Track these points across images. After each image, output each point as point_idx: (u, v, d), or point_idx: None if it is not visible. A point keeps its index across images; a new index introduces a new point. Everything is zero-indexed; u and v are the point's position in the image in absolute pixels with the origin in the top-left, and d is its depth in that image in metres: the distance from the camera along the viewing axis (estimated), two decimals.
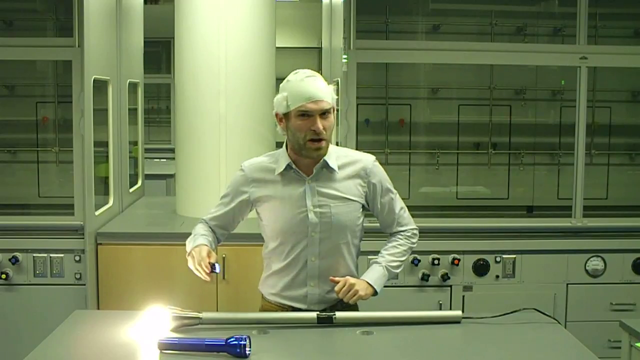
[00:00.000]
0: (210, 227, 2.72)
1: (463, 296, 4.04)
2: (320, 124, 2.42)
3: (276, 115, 2.52)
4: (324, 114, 2.44)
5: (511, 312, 2.58)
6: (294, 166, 2.53)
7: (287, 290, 2.61)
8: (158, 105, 8.79)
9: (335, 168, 2.55)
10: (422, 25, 4.81)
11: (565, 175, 4.73)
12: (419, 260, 3.97)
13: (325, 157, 2.52)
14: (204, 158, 4.27)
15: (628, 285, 4.13)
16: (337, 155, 2.58)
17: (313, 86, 2.44)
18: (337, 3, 4.32)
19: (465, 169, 4.94)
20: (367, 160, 2.62)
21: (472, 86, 4.90)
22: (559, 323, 2.64)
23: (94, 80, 3.86)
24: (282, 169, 2.54)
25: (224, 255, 3.83)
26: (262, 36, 4.29)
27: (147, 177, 5.46)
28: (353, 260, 2.65)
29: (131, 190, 4.84)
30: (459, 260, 4.00)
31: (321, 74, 2.57)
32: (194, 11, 4.22)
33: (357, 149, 3.94)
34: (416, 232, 2.74)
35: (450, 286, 4.03)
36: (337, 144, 4.40)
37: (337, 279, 2.53)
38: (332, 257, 2.57)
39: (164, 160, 7.62)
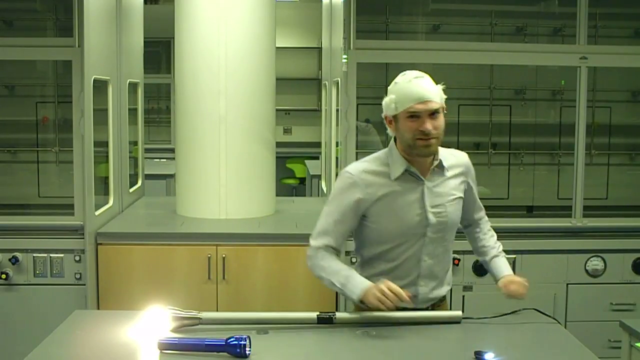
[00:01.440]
0: (330, 254, 2.58)
1: (463, 296, 4.04)
2: (429, 124, 2.42)
3: (385, 117, 2.52)
4: (432, 114, 2.43)
5: (511, 312, 2.58)
6: (411, 169, 2.52)
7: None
8: (158, 105, 8.79)
9: (448, 167, 2.59)
10: (422, 25, 4.81)
11: (565, 175, 4.73)
12: None
13: (440, 158, 2.56)
14: (204, 158, 4.27)
15: (628, 285, 4.12)
16: (442, 155, 2.59)
17: (421, 87, 2.44)
18: (337, 3, 4.32)
19: None
20: (465, 157, 2.70)
21: (472, 86, 4.90)
22: (559, 323, 2.64)
23: (94, 80, 3.85)
24: (399, 173, 2.52)
25: (224, 255, 3.83)
26: (262, 36, 4.29)
27: (147, 177, 5.46)
28: (451, 259, 2.75)
29: (131, 190, 4.84)
30: (459, 260, 4.00)
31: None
32: (194, 11, 4.22)
33: (357, 149, 3.98)
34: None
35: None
36: (337, 144, 4.41)
37: (512, 285, 2.66)
38: (442, 255, 2.62)
39: (164, 160, 7.62)
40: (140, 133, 5.11)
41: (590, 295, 4.10)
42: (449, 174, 2.60)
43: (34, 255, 3.85)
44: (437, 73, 4.75)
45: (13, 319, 3.84)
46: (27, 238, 3.86)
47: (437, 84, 2.54)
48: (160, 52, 8.42)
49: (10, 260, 3.81)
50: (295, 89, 9.00)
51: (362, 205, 2.53)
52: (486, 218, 2.87)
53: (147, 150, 5.52)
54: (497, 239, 2.97)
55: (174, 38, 4.39)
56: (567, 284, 4.10)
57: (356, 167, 2.58)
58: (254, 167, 4.31)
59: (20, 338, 3.74)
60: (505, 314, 2.57)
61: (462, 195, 2.64)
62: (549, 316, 2.61)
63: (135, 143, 5.07)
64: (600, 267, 4.11)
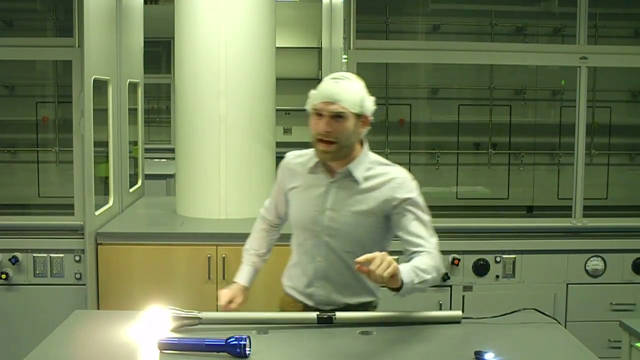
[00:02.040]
0: (266, 225, 2.83)
1: (463, 296, 4.04)
2: (326, 125, 2.39)
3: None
4: (337, 117, 2.39)
5: (511, 312, 2.58)
6: (322, 165, 2.53)
7: (300, 285, 2.63)
8: (158, 105, 8.78)
9: (359, 179, 2.49)
10: (422, 25, 4.81)
11: (565, 175, 4.73)
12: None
13: (350, 167, 2.49)
14: (204, 158, 4.27)
15: (628, 285, 4.13)
16: (370, 165, 2.52)
17: (331, 87, 2.42)
18: (337, 3, 4.32)
19: (465, 169, 4.94)
20: (400, 176, 2.51)
21: (472, 86, 4.90)
22: (559, 323, 2.64)
23: (94, 80, 3.85)
24: (311, 165, 2.55)
25: (224, 255, 3.83)
26: (262, 36, 4.29)
27: (147, 177, 5.46)
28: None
29: (131, 190, 4.84)
30: (459, 260, 4.00)
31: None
32: (194, 11, 4.22)
33: None
34: (440, 256, 2.50)
35: (450, 286, 4.03)
36: None
37: (361, 259, 2.16)
38: (339, 263, 2.55)
39: (164, 160, 7.62)
40: (140, 133, 5.11)
41: (590, 295, 4.11)
42: (364, 186, 2.48)
43: (34, 255, 3.85)
44: (437, 73, 4.81)
45: (13, 319, 3.84)
46: (27, 238, 3.87)
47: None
48: (160, 52, 8.42)
49: (10, 260, 3.82)
50: (295, 89, 8.96)
51: (284, 188, 2.65)
52: (426, 250, 2.46)
53: (147, 150, 5.52)
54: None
55: (174, 38, 4.38)
56: (567, 284, 4.10)
57: (293, 154, 2.68)
58: (254, 167, 4.31)
59: (20, 338, 3.75)
60: (505, 314, 2.57)
61: (376, 214, 2.47)
62: (549, 316, 2.61)
63: (135, 143, 5.07)
64: (600, 267, 4.11)
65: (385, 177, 2.51)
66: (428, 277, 2.37)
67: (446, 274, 3.98)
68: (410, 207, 2.48)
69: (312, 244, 2.56)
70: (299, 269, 2.63)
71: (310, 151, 2.59)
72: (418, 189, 2.54)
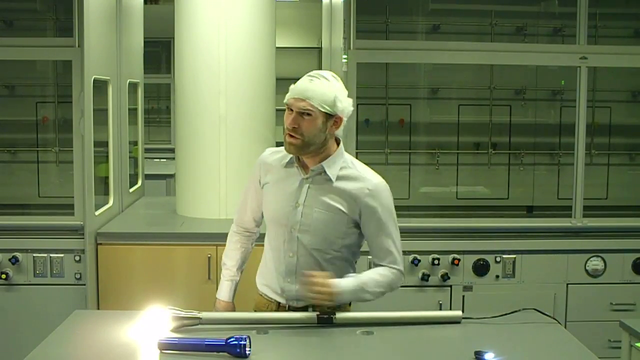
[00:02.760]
0: (239, 236, 2.82)
1: (463, 296, 4.04)
2: (294, 120, 2.43)
3: None
4: (304, 114, 2.42)
5: (511, 312, 2.58)
6: (295, 162, 2.56)
7: (270, 281, 2.64)
8: (158, 105, 8.78)
9: (332, 177, 2.52)
10: (422, 25, 4.81)
11: (565, 175, 4.73)
12: (419, 260, 3.97)
13: (324, 164, 2.51)
14: (204, 158, 4.27)
15: (628, 285, 4.13)
16: (344, 165, 2.54)
17: (303, 84, 2.46)
18: (337, 3, 4.32)
19: (465, 169, 4.94)
20: (372, 182, 2.53)
21: (472, 86, 4.90)
22: (559, 323, 2.64)
23: (94, 80, 3.85)
24: (286, 161, 2.58)
25: None
26: (262, 36, 4.29)
27: (147, 177, 5.46)
28: (339, 274, 2.52)
29: (131, 190, 4.84)
30: (459, 260, 4.00)
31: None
32: (194, 11, 4.22)
33: (357, 149, 3.98)
34: (400, 275, 2.58)
35: (450, 286, 4.03)
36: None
37: (308, 273, 2.43)
38: (310, 260, 2.56)
39: (164, 160, 7.62)
40: (140, 133, 5.11)
41: (590, 295, 4.10)
42: (336, 184, 2.51)
43: (34, 255, 3.85)
44: (437, 73, 4.81)
45: (13, 319, 3.84)
46: (27, 238, 3.87)
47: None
48: (160, 52, 8.42)
49: (10, 260, 3.82)
50: None
51: (259, 183, 2.65)
52: (396, 271, 2.56)
53: (147, 150, 5.52)
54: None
55: (174, 38, 4.39)
56: (567, 284, 4.10)
57: (269, 150, 2.70)
58: None
59: (20, 338, 3.74)
60: (505, 314, 2.57)
61: (347, 214, 2.50)
62: (549, 316, 2.61)
63: (135, 143, 5.07)
64: (600, 267, 4.11)
65: (359, 182, 2.53)
66: (369, 297, 2.52)
67: (446, 273, 3.98)
68: (380, 219, 2.53)
69: (284, 240, 2.57)
70: (271, 264, 2.64)
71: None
72: (391, 196, 2.57)
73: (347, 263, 2.62)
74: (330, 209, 2.52)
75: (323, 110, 2.42)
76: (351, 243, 2.59)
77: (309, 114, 2.42)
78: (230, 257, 2.81)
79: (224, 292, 2.78)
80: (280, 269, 2.60)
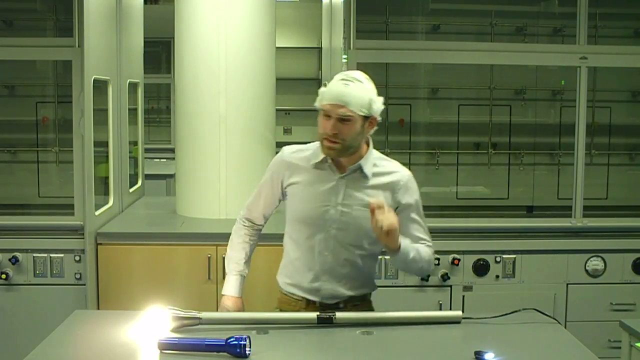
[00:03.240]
0: (248, 229, 2.80)
1: (463, 296, 4.04)
2: (332, 127, 2.43)
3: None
4: (344, 120, 2.42)
5: (511, 312, 2.58)
6: (329, 160, 2.55)
7: (304, 280, 2.63)
8: (158, 105, 8.78)
9: (369, 174, 2.56)
10: (422, 25, 4.81)
11: (565, 175, 4.73)
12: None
13: (361, 162, 2.54)
14: (204, 158, 4.27)
15: (628, 285, 4.13)
16: (376, 162, 2.59)
17: (340, 89, 2.43)
18: (337, 3, 4.32)
19: (465, 169, 4.94)
20: (403, 174, 2.61)
21: (472, 86, 4.90)
22: (559, 323, 2.64)
23: (94, 80, 3.85)
24: (318, 160, 2.56)
25: (224, 255, 3.81)
26: (262, 36, 4.29)
27: (147, 177, 5.45)
28: (371, 265, 2.68)
29: (131, 190, 4.84)
30: (459, 260, 4.00)
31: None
32: (194, 11, 4.22)
33: None
34: (432, 261, 2.66)
35: (450, 286, 4.03)
36: None
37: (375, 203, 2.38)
38: (346, 257, 2.59)
39: (164, 160, 7.62)
40: (140, 133, 5.11)
41: (590, 295, 4.11)
42: (371, 182, 2.56)
43: (34, 255, 3.85)
44: (437, 73, 4.81)
45: (13, 319, 3.84)
46: (27, 238, 3.87)
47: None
48: (160, 52, 8.42)
49: (10, 260, 3.81)
50: (295, 89, 8.98)
51: (281, 183, 2.64)
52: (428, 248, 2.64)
53: (147, 150, 5.52)
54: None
55: (174, 38, 4.39)
56: (567, 284, 4.10)
57: (290, 148, 2.67)
58: (254, 167, 4.30)
59: (20, 338, 3.75)
60: (505, 314, 2.57)
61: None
62: (549, 316, 2.61)
63: (135, 143, 5.07)
64: (600, 267, 4.11)
65: (392, 176, 2.59)
66: (420, 262, 2.56)
67: (446, 273, 3.98)
68: (412, 213, 2.60)
69: (320, 239, 2.57)
70: (302, 264, 2.63)
71: (310, 146, 2.63)
72: (417, 187, 2.65)
73: (375, 257, 2.69)
74: (368, 206, 2.52)
75: (361, 114, 2.43)
76: None
77: (348, 120, 2.43)
78: (238, 249, 2.78)
79: (232, 286, 2.72)
80: (315, 269, 2.60)
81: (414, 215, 2.61)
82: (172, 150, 5.28)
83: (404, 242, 2.48)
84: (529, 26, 4.83)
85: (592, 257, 4.11)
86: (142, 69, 5.12)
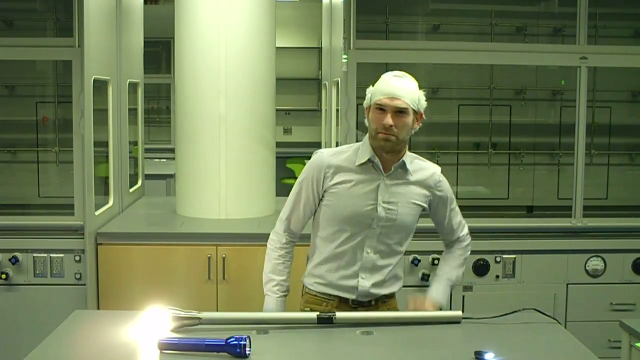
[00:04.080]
0: (288, 246, 2.76)
1: (463, 296, 4.04)
2: (390, 119, 2.49)
3: (365, 108, 2.61)
4: (399, 112, 2.50)
5: (511, 312, 2.58)
6: (375, 159, 2.59)
7: (340, 279, 2.65)
8: (158, 105, 8.79)
9: (412, 171, 2.63)
10: (422, 25, 4.81)
11: (565, 175, 4.73)
12: (419, 260, 3.97)
13: (405, 159, 2.61)
14: (204, 158, 4.27)
15: (628, 285, 4.13)
16: (411, 159, 2.66)
17: (393, 84, 2.53)
18: (337, 3, 4.32)
19: (465, 169, 4.94)
20: (436, 168, 2.73)
21: (472, 86, 4.90)
22: (559, 323, 2.64)
23: (94, 80, 3.85)
24: (363, 161, 2.60)
25: (224, 255, 3.83)
26: (262, 36, 4.29)
27: (147, 177, 5.46)
28: (402, 262, 2.78)
29: (131, 190, 4.84)
30: None
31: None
32: (194, 11, 4.22)
33: None
34: (470, 240, 2.92)
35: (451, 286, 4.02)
36: (337, 144, 4.41)
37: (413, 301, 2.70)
38: (386, 253, 2.65)
39: (164, 160, 7.62)
40: (140, 133, 5.11)
41: (590, 295, 4.10)
42: (412, 178, 2.64)
43: (34, 255, 3.85)
44: (437, 73, 4.81)
45: (13, 319, 3.84)
46: (27, 238, 3.86)
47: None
48: (160, 52, 8.42)
49: (10, 260, 3.81)
50: (295, 89, 8.99)
51: (322, 184, 2.64)
52: (467, 243, 2.92)
53: (147, 150, 5.52)
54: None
55: (174, 38, 4.39)
56: (567, 284, 4.10)
57: (328, 150, 2.74)
58: (254, 167, 4.31)
59: (20, 338, 3.74)
60: (505, 314, 2.57)
61: (422, 204, 2.68)
62: (549, 316, 2.61)
63: (135, 143, 5.07)
64: (600, 267, 4.11)
65: (428, 171, 2.70)
66: (455, 281, 2.87)
67: None
68: (449, 202, 2.77)
69: (364, 237, 2.61)
70: (339, 263, 2.65)
71: (346, 148, 2.69)
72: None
73: (402, 255, 2.77)
74: (412, 202, 2.64)
75: (413, 107, 2.53)
76: (414, 227, 2.74)
77: (403, 112, 2.51)
78: (280, 271, 2.71)
79: (279, 308, 2.67)
80: (355, 267, 2.64)
81: (451, 206, 2.77)
82: (172, 150, 5.28)
83: (438, 292, 2.77)
84: (529, 26, 4.83)
85: (592, 257, 4.11)
86: (142, 69, 5.12)
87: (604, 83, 4.78)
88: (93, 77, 3.85)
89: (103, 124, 4.21)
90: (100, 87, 4.06)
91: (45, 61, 4.66)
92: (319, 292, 2.69)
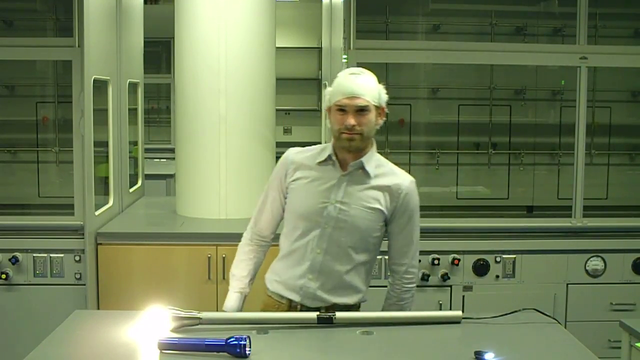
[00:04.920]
0: (254, 246, 2.77)
1: (463, 296, 4.04)
2: (352, 119, 2.47)
3: (327, 109, 2.60)
4: (361, 110, 2.48)
5: (511, 312, 2.58)
6: (334, 157, 2.58)
7: (290, 278, 2.63)
8: (158, 105, 8.79)
9: (371, 173, 2.57)
10: (422, 25, 4.81)
11: (565, 175, 4.73)
12: (419, 260, 3.95)
13: (364, 159, 2.56)
14: (204, 158, 4.27)
15: (628, 285, 4.13)
16: (378, 163, 2.62)
17: (351, 83, 2.50)
18: (337, 3, 4.32)
19: (465, 169, 4.94)
20: (405, 178, 2.63)
21: (472, 86, 4.90)
22: (559, 323, 2.64)
23: (94, 80, 3.85)
24: (323, 159, 2.59)
25: (224, 255, 3.83)
26: (262, 36, 4.29)
27: (147, 177, 5.45)
28: (360, 274, 2.63)
29: (131, 190, 4.84)
30: (459, 260, 4.00)
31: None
32: (194, 11, 4.22)
33: None
34: (414, 288, 2.71)
35: (450, 286, 4.03)
36: None
37: None
38: (339, 257, 2.58)
39: (164, 160, 7.62)
40: (140, 133, 5.11)
41: (590, 295, 4.11)
42: (373, 182, 2.58)
43: (34, 255, 3.85)
44: (437, 73, 4.81)
45: (13, 319, 3.84)
46: (27, 238, 3.86)
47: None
48: (160, 52, 8.42)
49: (10, 260, 3.81)
50: (295, 89, 8.99)
51: (285, 181, 2.65)
52: (412, 275, 2.69)
53: (147, 150, 5.52)
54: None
55: (174, 38, 4.39)
56: (567, 284, 4.10)
57: (294, 149, 2.70)
58: (254, 167, 4.31)
59: (20, 338, 3.74)
60: (505, 314, 2.57)
61: (382, 211, 2.57)
62: (549, 316, 2.61)
63: (135, 143, 5.07)
64: (600, 267, 4.11)
65: (395, 178, 2.61)
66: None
67: (446, 273, 3.98)
68: (408, 219, 2.62)
69: (314, 236, 2.58)
70: (292, 261, 2.63)
71: (314, 147, 2.67)
72: (417, 196, 2.65)
73: (370, 262, 2.66)
74: (368, 205, 2.57)
75: (374, 103, 2.50)
76: (379, 240, 2.65)
77: (364, 110, 2.49)
78: (242, 267, 2.75)
79: (232, 303, 2.70)
80: (303, 266, 2.60)
81: (412, 225, 2.62)
82: (172, 150, 5.28)
83: None
84: (529, 26, 4.82)
85: (592, 257, 4.11)
86: (142, 69, 5.12)
87: (604, 83, 4.78)
88: (93, 77, 3.85)
89: (103, 124, 4.21)
90: (100, 87, 4.06)
91: (45, 61, 4.66)
92: (273, 292, 2.68)
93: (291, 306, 2.62)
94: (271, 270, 2.73)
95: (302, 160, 2.64)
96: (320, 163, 2.59)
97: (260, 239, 2.78)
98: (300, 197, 2.61)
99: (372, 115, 2.51)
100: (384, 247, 2.70)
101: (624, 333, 2.96)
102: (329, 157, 2.58)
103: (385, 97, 2.55)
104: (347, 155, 2.56)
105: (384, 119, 2.58)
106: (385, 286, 2.75)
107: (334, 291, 2.60)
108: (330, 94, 2.53)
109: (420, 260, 2.72)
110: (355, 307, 2.67)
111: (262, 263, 2.80)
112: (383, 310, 2.70)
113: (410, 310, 2.68)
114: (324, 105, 2.58)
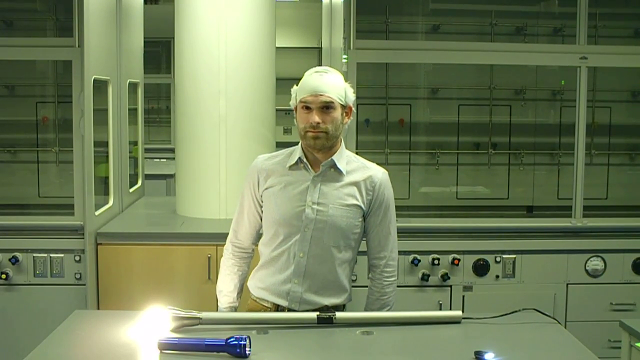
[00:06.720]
0: (236, 259, 2.76)
1: (463, 296, 4.04)
2: (317, 116, 2.47)
3: (293, 108, 2.59)
4: (326, 108, 2.47)
5: (511, 312, 2.58)
6: (304, 160, 2.56)
7: (274, 284, 2.61)
8: (158, 105, 8.79)
9: (343, 170, 2.57)
10: (422, 25, 4.81)
11: (565, 175, 4.73)
12: (419, 260, 3.97)
13: (335, 158, 2.56)
14: (204, 158, 4.27)
15: (628, 285, 4.13)
16: (348, 159, 2.61)
17: (316, 80, 2.50)
18: (337, 3, 4.32)
19: (465, 169, 4.94)
20: (378, 171, 2.63)
21: (472, 86, 4.90)
22: (559, 323, 2.64)
23: (94, 80, 3.86)
24: (293, 162, 2.58)
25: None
26: (262, 36, 4.29)
27: (147, 177, 5.46)
28: (345, 272, 2.63)
29: (131, 190, 4.84)
30: (459, 260, 4.00)
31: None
32: (194, 11, 4.22)
33: (357, 149, 3.98)
34: (395, 278, 2.70)
35: (450, 286, 4.03)
36: None
37: None
38: (323, 258, 2.58)
39: (164, 160, 7.62)
40: (140, 133, 5.11)
41: (590, 295, 4.11)
42: (346, 179, 2.57)
43: (34, 255, 3.85)
44: (437, 73, 4.81)
45: (13, 319, 3.84)
46: (27, 238, 3.86)
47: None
48: (160, 52, 8.42)
49: (10, 260, 3.81)
50: None
51: (258, 190, 2.63)
52: (392, 267, 2.69)
53: (147, 150, 5.53)
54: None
55: (174, 38, 4.39)
56: (567, 284, 4.11)
57: (262, 156, 2.69)
58: None
59: (20, 338, 3.75)
60: (505, 314, 2.57)
61: (360, 206, 2.57)
62: (549, 316, 2.61)
63: (135, 143, 5.07)
64: (600, 267, 4.11)
65: (367, 172, 2.61)
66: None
67: (446, 273, 3.98)
68: (384, 209, 2.62)
69: (295, 240, 2.56)
70: (275, 267, 2.61)
71: (282, 152, 2.66)
72: (391, 187, 2.65)
73: (353, 259, 2.66)
74: (345, 202, 2.56)
75: (339, 101, 2.49)
76: (359, 236, 2.64)
77: (329, 107, 2.48)
78: (227, 282, 2.74)
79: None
80: (288, 271, 2.59)
81: (388, 215, 2.63)
82: (172, 150, 5.28)
83: None
84: (529, 26, 4.83)
85: (592, 257, 4.11)
86: (142, 69, 5.12)
87: (604, 83, 4.78)
88: (93, 77, 3.85)
89: (103, 124, 4.21)
90: (100, 87, 4.06)
91: (45, 61, 4.67)
92: (258, 298, 2.67)
93: (278, 309, 2.62)
94: (254, 277, 2.71)
95: (272, 167, 2.61)
96: (291, 167, 2.58)
97: (242, 251, 2.77)
98: (277, 203, 2.59)
99: (337, 113, 2.49)
100: (362, 248, 2.70)
101: (624, 333, 2.96)
102: (299, 159, 2.57)
103: (352, 96, 2.54)
104: (318, 155, 2.56)
105: (351, 118, 2.57)
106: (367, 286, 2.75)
107: (322, 292, 2.60)
108: (296, 92, 2.53)
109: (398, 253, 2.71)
110: (341, 307, 2.66)
111: (247, 274, 2.78)
112: (366, 308, 2.70)
113: (393, 305, 2.68)
114: (291, 103, 2.57)
